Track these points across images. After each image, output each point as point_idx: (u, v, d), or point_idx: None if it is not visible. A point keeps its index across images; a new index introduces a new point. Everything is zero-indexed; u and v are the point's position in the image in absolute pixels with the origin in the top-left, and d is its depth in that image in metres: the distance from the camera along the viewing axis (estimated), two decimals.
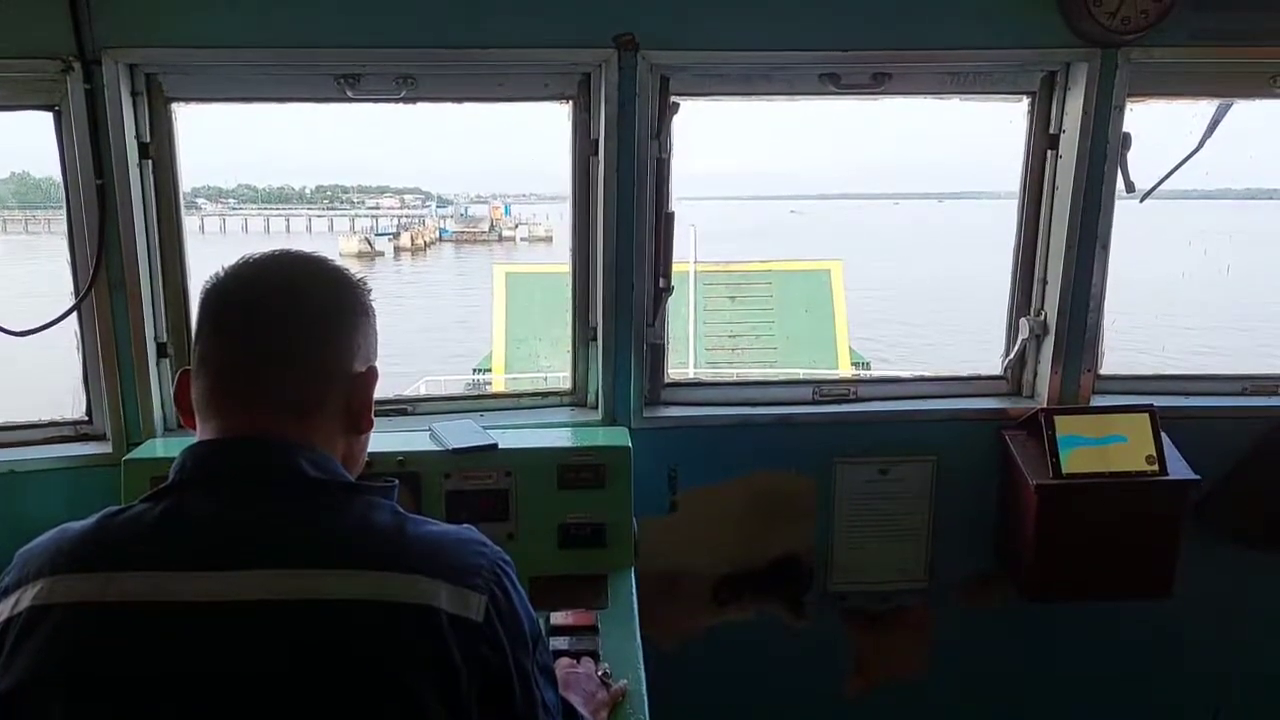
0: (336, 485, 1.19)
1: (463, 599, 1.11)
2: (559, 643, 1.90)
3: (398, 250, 40.21)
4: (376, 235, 41.06)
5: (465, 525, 1.23)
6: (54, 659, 1.06)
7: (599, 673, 1.78)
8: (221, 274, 1.24)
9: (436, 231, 43.25)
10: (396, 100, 2.50)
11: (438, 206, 46.48)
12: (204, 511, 1.13)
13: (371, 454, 2.24)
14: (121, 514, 1.14)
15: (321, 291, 1.25)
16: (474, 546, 1.19)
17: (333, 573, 1.09)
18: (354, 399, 1.25)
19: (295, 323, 1.22)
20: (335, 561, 1.10)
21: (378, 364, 1.30)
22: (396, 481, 1.25)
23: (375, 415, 1.29)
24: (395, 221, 44.65)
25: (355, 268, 1.36)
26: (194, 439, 1.22)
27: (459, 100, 2.59)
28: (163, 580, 1.07)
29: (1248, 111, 2.72)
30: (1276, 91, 2.64)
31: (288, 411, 1.20)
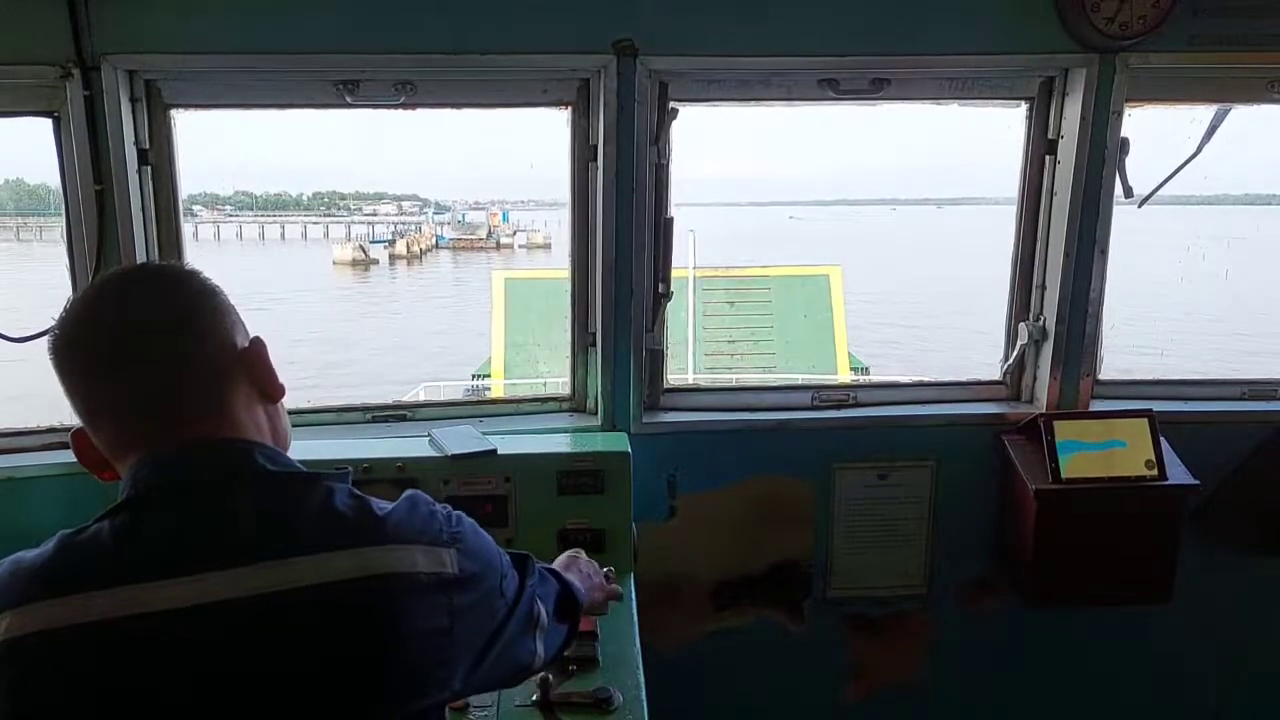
0: (296, 477, 1.19)
1: (437, 558, 1.15)
2: None
3: (393, 258, 40.00)
4: (372, 242, 40.90)
5: (406, 491, 1.25)
6: (35, 691, 1.04)
7: (604, 570, 1.84)
8: (62, 327, 1.19)
9: (433, 238, 43.12)
10: (395, 106, 2.50)
11: (435, 213, 46.30)
12: (167, 519, 1.11)
13: (371, 460, 2.30)
14: (80, 534, 1.12)
15: (162, 296, 1.22)
16: (426, 507, 1.22)
17: (309, 558, 1.08)
18: (254, 374, 1.24)
19: (161, 334, 1.18)
20: (310, 547, 1.09)
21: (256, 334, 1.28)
22: (350, 469, 1.26)
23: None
24: (391, 228, 44.55)
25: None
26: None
27: (458, 106, 2.58)
28: (135, 594, 1.05)
29: (1246, 117, 2.73)
30: (1274, 97, 2.65)
31: (208, 413, 1.18)
